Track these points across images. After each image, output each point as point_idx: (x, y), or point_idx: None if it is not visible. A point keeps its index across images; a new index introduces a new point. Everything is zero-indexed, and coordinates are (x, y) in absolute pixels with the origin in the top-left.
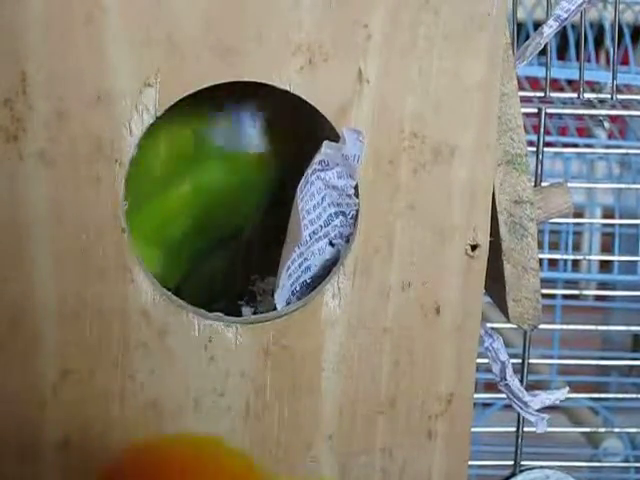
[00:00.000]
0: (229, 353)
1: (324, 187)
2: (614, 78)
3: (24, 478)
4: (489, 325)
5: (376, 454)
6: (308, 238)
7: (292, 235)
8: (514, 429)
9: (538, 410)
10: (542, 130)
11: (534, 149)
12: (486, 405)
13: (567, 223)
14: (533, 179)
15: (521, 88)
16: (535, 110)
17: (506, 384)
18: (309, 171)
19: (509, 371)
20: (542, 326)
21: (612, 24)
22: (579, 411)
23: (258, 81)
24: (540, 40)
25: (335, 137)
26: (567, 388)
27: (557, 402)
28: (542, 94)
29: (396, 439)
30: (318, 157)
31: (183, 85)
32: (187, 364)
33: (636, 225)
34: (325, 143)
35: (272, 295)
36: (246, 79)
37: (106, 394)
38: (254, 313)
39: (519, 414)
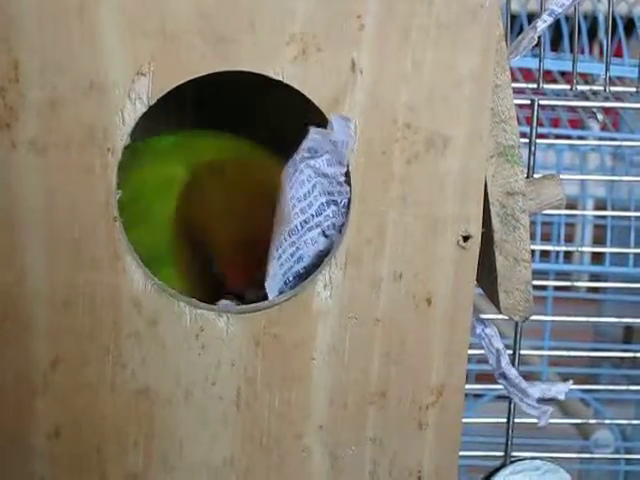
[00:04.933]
0: (220, 342)
1: (314, 175)
2: (607, 70)
3: (15, 468)
4: (481, 316)
5: (367, 444)
6: (299, 227)
7: (279, 221)
8: (505, 420)
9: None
10: (535, 122)
11: (527, 141)
12: (477, 396)
13: (559, 214)
14: (525, 171)
15: (514, 79)
16: (528, 102)
17: (502, 373)
18: (297, 157)
19: (504, 359)
20: (533, 317)
21: (606, 16)
22: (570, 402)
23: (251, 71)
24: (534, 35)
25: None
26: (570, 382)
27: (560, 397)
28: (535, 86)
29: (387, 430)
30: (306, 143)
31: (176, 74)
32: (178, 353)
33: (628, 217)
34: (312, 129)
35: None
36: (239, 69)
37: (97, 383)
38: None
39: (510, 405)
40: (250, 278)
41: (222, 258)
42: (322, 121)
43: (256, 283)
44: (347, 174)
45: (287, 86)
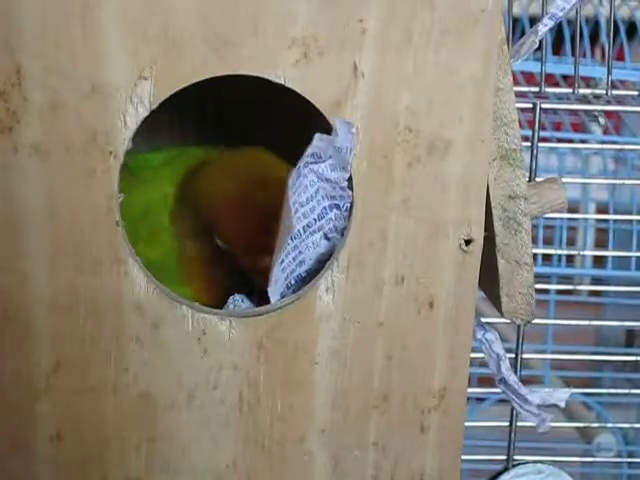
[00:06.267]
0: (222, 346)
1: (317, 180)
2: (609, 74)
3: (17, 472)
4: (482, 320)
5: (369, 448)
6: (302, 231)
7: (284, 227)
8: (507, 424)
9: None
10: (537, 125)
11: (529, 144)
12: (479, 399)
13: (561, 218)
14: (527, 174)
15: (516, 83)
16: (530, 105)
17: (502, 378)
18: (301, 163)
19: (504, 364)
20: (536, 321)
21: (608, 20)
22: (572, 406)
23: (253, 75)
24: (535, 39)
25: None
26: (571, 390)
27: (560, 404)
28: (537, 89)
29: (389, 433)
30: (310, 149)
31: (178, 78)
32: (180, 357)
33: (630, 221)
34: (317, 135)
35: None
36: (241, 72)
37: (99, 386)
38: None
39: (512, 408)
40: (257, 247)
41: (224, 227)
42: (325, 126)
43: (265, 254)
44: (350, 178)
45: (290, 90)
